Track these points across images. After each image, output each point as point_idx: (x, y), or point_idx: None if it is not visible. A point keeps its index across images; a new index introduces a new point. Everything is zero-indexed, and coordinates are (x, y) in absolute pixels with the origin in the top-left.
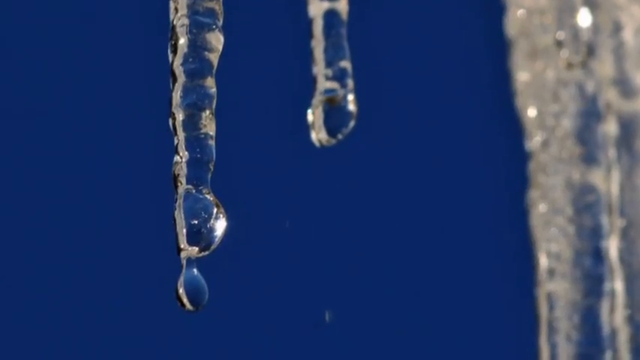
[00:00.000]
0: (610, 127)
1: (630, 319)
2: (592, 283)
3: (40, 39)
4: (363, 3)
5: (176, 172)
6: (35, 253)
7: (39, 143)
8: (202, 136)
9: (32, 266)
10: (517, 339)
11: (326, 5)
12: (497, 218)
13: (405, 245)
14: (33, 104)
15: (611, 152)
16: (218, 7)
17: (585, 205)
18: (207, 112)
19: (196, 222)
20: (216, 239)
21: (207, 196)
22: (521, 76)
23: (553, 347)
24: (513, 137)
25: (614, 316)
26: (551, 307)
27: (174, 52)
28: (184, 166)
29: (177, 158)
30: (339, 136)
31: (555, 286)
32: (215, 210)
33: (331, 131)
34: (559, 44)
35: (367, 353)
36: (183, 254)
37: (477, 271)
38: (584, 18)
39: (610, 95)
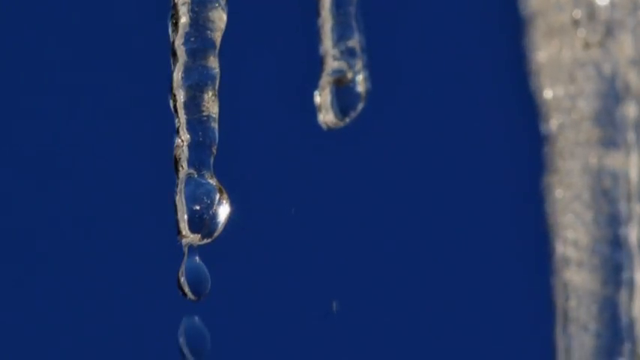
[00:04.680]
0: (629, 110)
1: None
2: (611, 271)
3: (38, 21)
4: None
5: (177, 156)
6: (32, 239)
7: (36, 130)
8: (205, 118)
9: (30, 253)
10: (533, 330)
11: None
12: (512, 204)
13: (417, 233)
14: (31, 89)
15: (631, 135)
16: None
17: (604, 190)
18: (210, 93)
19: (198, 208)
20: (219, 226)
21: (210, 181)
22: (538, 56)
23: (570, 338)
24: (529, 120)
25: (634, 306)
26: (567, 297)
27: (176, 30)
28: (186, 149)
29: (178, 141)
30: (348, 119)
31: (572, 275)
32: (218, 195)
33: (339, 113)
34: (575, 23)
35: (378, 344)
36: (184, 242)
37: (491, 260)
38: None
39: (629, 76)
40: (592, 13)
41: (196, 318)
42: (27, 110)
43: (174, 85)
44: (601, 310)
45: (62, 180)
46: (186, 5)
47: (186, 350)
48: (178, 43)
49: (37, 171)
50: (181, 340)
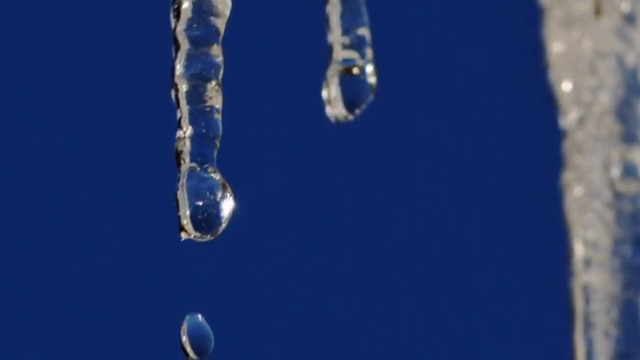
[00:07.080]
0: None
1: None
2: (632, 274)
3: (36, 17)
4: None
5: (179, 149)
6: (30, 237)
7: (34, 126)
8: (208, 109)
9: (28, 251)
10: (551, 334)
11: None
12: (528, 202)
13: (429, 233)
14: (28, 86)
15: None
16: None
17: (625, 188)
18: (213, 83)
19: (201, 204)
20: (223, 222)
21: (213, 175)
22: (555, 46)
23: (589, 344)
24: (546, 114)
25: None
26: (587, 301)
27: (178, 16)
28: (188, 142)
29: (180, 133)
30: (357, 112)
31: (592, 278)
32: (221, 191)
33: (348, 106)
34: (595, 13)
35: (385, 346)
36: (185, 238)
37: (506, 261)
38: None
39: None
40: (611, 2)
41: (199, 316)
42: (24, 106)
43: (176, 74)
44: (622, 314)
45: (60, 176)
46: None
47: (189, 349)
48: (180, 30)
49: (34, 168)
50: (184, 338)
